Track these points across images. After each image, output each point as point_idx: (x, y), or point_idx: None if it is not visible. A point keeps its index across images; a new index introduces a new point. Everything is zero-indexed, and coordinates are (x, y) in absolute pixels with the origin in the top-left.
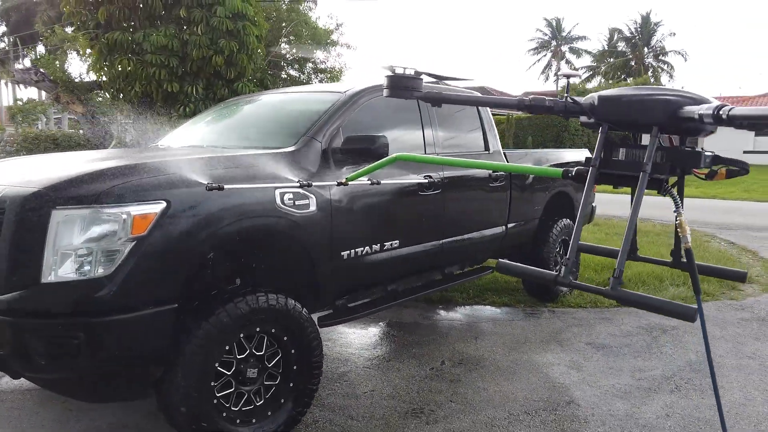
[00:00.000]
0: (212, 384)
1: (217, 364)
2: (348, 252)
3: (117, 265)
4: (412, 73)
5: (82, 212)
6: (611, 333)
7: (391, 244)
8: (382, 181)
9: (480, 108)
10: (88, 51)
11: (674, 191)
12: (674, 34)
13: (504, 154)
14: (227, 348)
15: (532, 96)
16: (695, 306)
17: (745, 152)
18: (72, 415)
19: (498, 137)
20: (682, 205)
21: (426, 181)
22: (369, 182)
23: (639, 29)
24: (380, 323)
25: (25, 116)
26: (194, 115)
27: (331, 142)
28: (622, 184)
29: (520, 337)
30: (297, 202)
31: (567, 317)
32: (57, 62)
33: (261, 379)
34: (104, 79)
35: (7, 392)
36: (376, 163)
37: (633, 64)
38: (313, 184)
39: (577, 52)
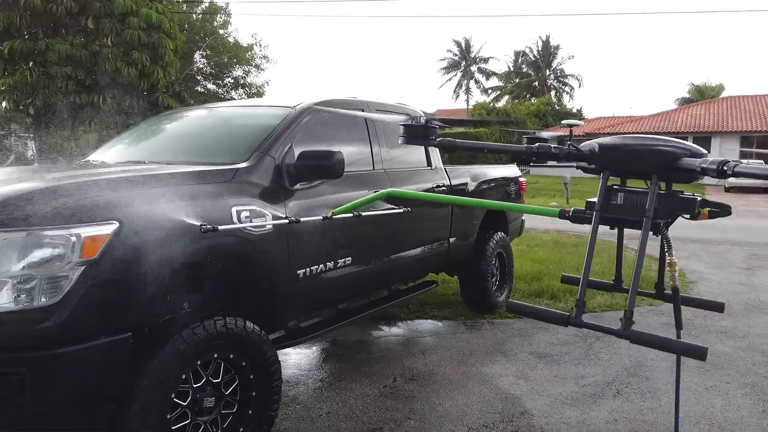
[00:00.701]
0: (168, 417)
1: (173, 395)
2: (304, 270)
3: (65, 292)
4: (423, 120)
5: (20, 235)
6: (550, 342)
7: (344, 261)
8: (333, 197)
9: None
10: None
11: (667, 233)
12: (572, 57)
13: (444, 169)
14: (183, 377)
15: (538, 144)
16: (706, 346)
17: None
18: None
19: (439, 154)
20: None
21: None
22: (323, 209)
23: (541, 52)
24: (324, 342)
25: None
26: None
27: (285, 158)
28: (621, 226)
29: (465, 349)
30: (254, 221)
31: (506, 328)
32: None
33: (218, 408)
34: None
35: None
36: (365, 198)
37: (536, 84)
38: (293, 217)
39: (485, 73)
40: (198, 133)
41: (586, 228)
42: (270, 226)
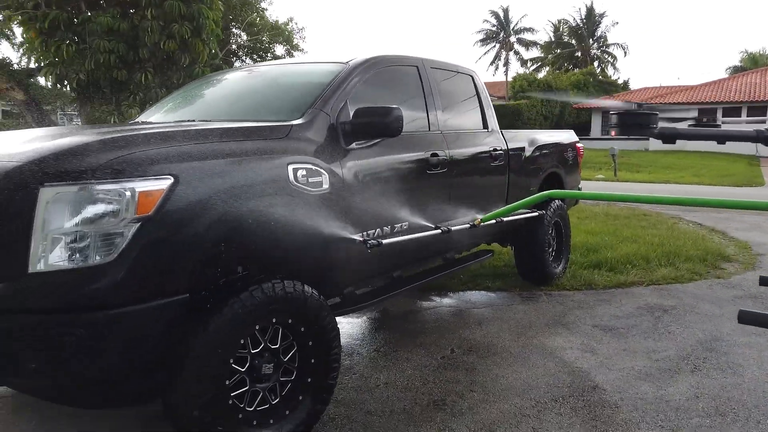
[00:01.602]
0: (227, 383)
1: (232, 360)
2: (361, 234)
3: (120, 250)
4: (635, 107)
5: (75, 189)
6: (614, 315)
7: (401, 227)
8: (389, 158)
9: (477, 85)
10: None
11: None
12: (617, 23)
13: (501, 132)
14: (242, 342)
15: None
16: None
17: None
18: (58, 424)
19: (495, 115)
20: None
21: (434, 159)
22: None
23: (584, 20)
24: (374, 312)
25: None
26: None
27: (340, 115)
28: None
29: (523, 321)
30: (310, 179)
31: (565, 300)
32: None
33: (277, 375)
34: (41, 64)
35: None
36: (522, 201)
37: (579, 55)
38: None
39: (525, 43)
40: (247, 92)
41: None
42: (327, 186)
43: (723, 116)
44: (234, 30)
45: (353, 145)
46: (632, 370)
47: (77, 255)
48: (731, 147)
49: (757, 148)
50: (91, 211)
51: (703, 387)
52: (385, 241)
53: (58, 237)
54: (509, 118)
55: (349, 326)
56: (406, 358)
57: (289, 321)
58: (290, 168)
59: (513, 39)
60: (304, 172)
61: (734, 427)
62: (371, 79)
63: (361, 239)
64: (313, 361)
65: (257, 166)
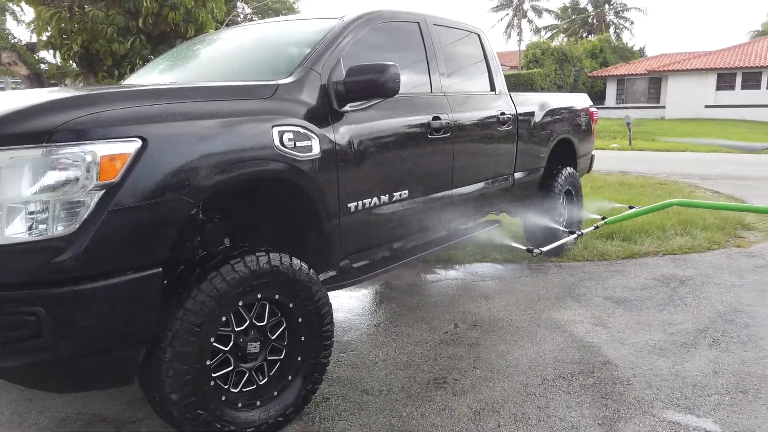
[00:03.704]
0: (208, 363)
1: (213, 339)
2: (356, 203)
3: (82, 220)
4: None
5: (32, 153)
6: (627, 286)
7: (400, 195)
8: (387, 122)
9: (484, 45)
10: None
11: None
12: None
13: (510, 96)
14: (224, 319)
15: None
16: None
17: (706, 106)
18: (33, 405)
19: (503, 77)
20: None
21: (435, 122)
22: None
23: None
24: (377, 285)
25: None
26: None
27: (332, 74)
28: None
29: (532, 294)
30: (298, 144)
31: (576, 271)
32: None
33: (264, 354)
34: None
35: None
36: (646, 207)
37: (595, 21)
38: None
39: (538, 10)
40: (235, 52)
41: (652, 169)
42: (318, 151)
43: (742, 82)
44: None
45: (347, 107)
46: (646, 345)
47: (37, 226)
48: (751, 114)
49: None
50: (50, 177)
51: (722, 362)
52: (382, 211)
53: (14, 206)
54: (522, 87)
55: (349, 300)
56: (407, 334)
57: (277, 297)
58: (275, 131)
59: (527, 6)
60: (291, 136)
61: (756, 404)
62: (367, 36)
63: (355, 208)
64: (303, 339)
65: (237, 128)
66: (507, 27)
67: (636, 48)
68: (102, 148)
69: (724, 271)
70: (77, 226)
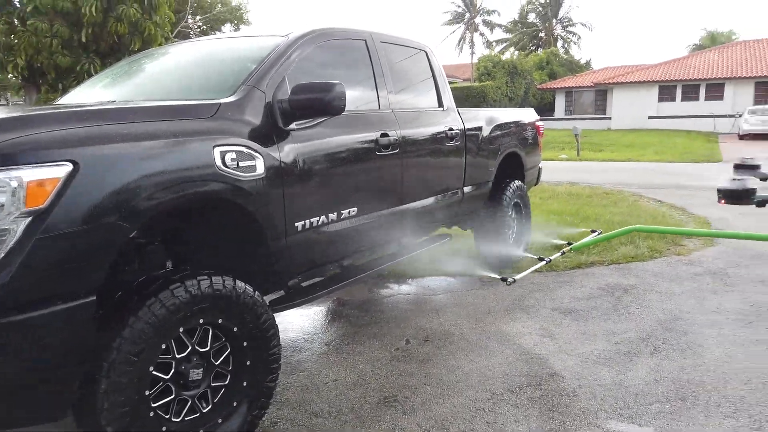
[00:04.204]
0: (147, 393)
1: (152, 368)
2: (303, 222)
3: (7, 249)
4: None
5: None
6: (574, 296)
7: (348, 212)
8: (335, 139)
9: (432, 62)
10: None
11: None
12: (578, 6)
13: (458, 111)
14: (164, 347)
15: None
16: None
17: (650, 117)
18: None
19: (451, 93)
20: None
21: (384, 139)
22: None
23: (548, 1)
24: (328, 302)
25: None
26: None
27: (277, 92)
28: None
29: (482, 307)
30: (242, 163)
31: (526, 283)
32: None
33: (207, 380)
34: None
35: None
36: (609, 233)
37: (543, 35)
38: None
39: (490, 25)
40: (180, 68)
41: (600, 179)
42: (262, 171)
43: (682, 94)
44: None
45: (293, 126)
46: (591, 355)
47: None
48: (690, 124)
49: (714, 125)
50: None
51: (663, 370)
52: (331, 229)
53: None
54: (475, 100)
55: (300, 319)
56: (359, 352)
57: (220, 321)
58: (217, 151)
59: (478, 20)
60: (234, 156)
61: (694, 411)
62: (313, 54)
63: (303, 227)
64: (249, 363)
65: (176, 149)
66: (459, 40)
67: (583, 61)
68: (29, 173)
69: (665, 279)
70: (1, 255)
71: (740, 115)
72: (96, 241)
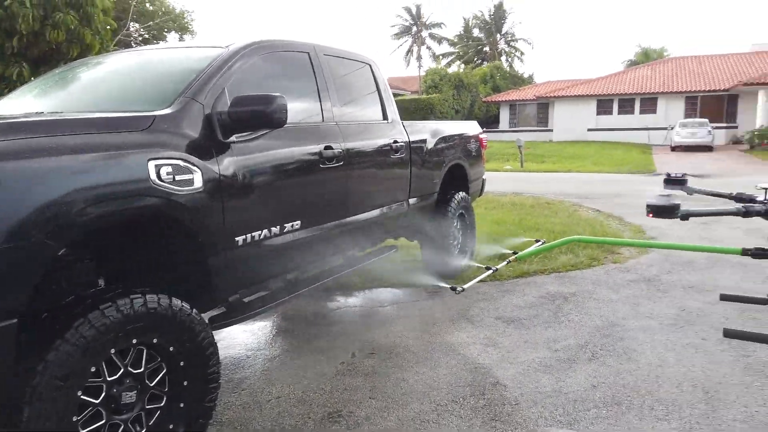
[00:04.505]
0: (75, 419)
1: (80, 393)
2: (244, 236)
3: None
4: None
5: None
6: (517, 305)
7: (292, 226)
8: (277, 152)
9: (376, 75)
10: None
11: None
12: (521, 22)
13: (402, 124)
14: (93, 369)
15: (743, 205)
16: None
17: (589, 129)
18: None
19: (395, 106)
20: None
21: (328, 152)
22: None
23: (492, 16)
24: (273, 317)
25: None
26: None
27: (216, 104)
28: None
29: (428, 318)
30: (178, 177)
31: (471, 293)
32: None
33: (142, 403)
34: None
35: None
36: (550, 243)
37: (488, 50)
38: None
39: (436, 38)
40: (116, 79)
41: (542, 189)
42: (200, 185)
43: (618, 107)
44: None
45: (233, 138)
46: (533, 363)
47: None
48: (626, 136)
49: (649, 137)
50: None
51: (600, 375)
52: (273, 242)
53: None
54: (423, 112)
55: (243, 335)
56: (303, 367)
57: (155, 341)
58: (152, 164)
59: (425, 34)
60: (170, 169)
61: (629, 415)
62: (255, 66)
63: (244, 241)
64: (186, 383)
65: (108, 163)
66: (407, 53)
67: (526, 75)
68: None
69: (603, 286)
70: None
71: (672, 128)
72: (19, 260)
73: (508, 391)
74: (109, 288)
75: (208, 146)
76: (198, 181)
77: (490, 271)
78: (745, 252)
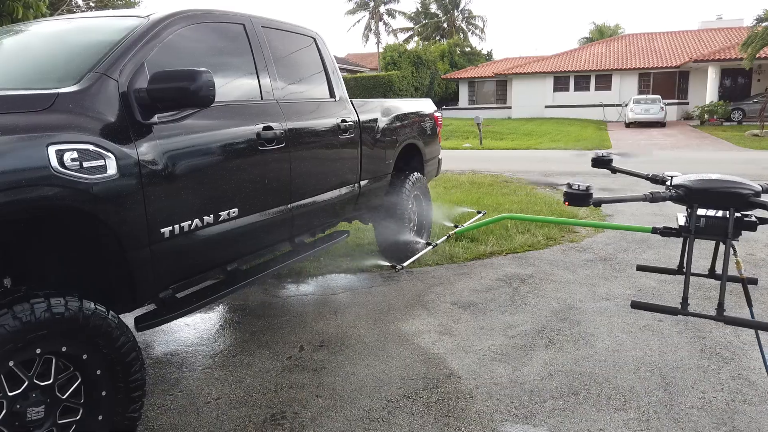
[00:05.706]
0: None
1: None
2: (171, 228)
3: None
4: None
5: None
6: (473, 289)
7: (228, 214)
8: (207, 134)
9: (321, 49)
10: None
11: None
12: None
13: (352, 102)
14: None
15: (651, 192)
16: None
17: (546, 107)
18: None
19: (343, 83)
20: None
21: (267, 133)
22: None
23: None
24: (218, 308)
25: None
26: None
27: (133, 81)
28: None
29: (382, 305)
30: (86, 164)
31: (426, 276)
32: None
33: (53, 418)
34: None
35: None
36: (485, 220)
37: (446, 26)
38: None
39: (392, 14)
40: (14, 52)
41: (501, 167)
42: (114, 172)
43: (574, 84)
44: None
45: (154, 119)
46: (488, 351)
47: None
48: (582, 113)
49: (604, 113)
50: None
51: (557, 363)
52: (207, 233)
53: None
54: (382, 89)
55: (185, 329)
56: (247, 364)
57: (64, 349)
58: (52, 150)
59: (382, 9)
60: (76, 155)
61: (586, 406)
62: (181, 38)
63: (171, 233)
64: (104, 393)
65: None
66: (365, 29)
67: (484, 52)
68: None
69: (560, 267)
70: None
71: (626, 105)
72: None
73: (463, 383)
74: (10, 290)
75: (124, 128)
76: (112, 168)
77: (430, 247)
78: (654, 230)
